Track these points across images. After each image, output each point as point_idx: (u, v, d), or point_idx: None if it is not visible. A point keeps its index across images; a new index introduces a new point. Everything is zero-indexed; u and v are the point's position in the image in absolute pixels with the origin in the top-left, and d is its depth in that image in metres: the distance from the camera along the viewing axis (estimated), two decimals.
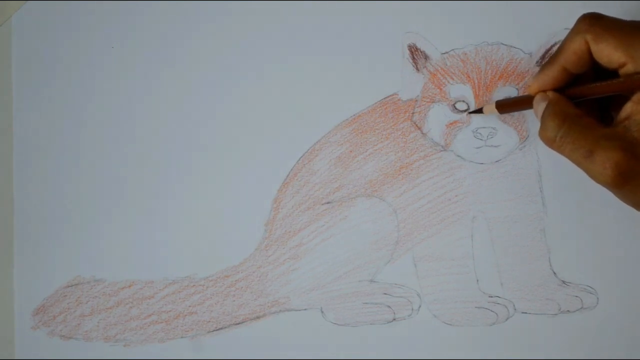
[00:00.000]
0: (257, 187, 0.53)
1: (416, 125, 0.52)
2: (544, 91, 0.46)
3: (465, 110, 0.51)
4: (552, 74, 0.45)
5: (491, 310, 0.51)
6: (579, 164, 0.42)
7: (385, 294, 0.52)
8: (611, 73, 0.43)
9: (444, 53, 0.52)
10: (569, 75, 0.45)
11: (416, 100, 0.52)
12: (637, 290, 0.50)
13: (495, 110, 0.49)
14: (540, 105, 0.45)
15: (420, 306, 0.52)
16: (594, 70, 0.45)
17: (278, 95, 0.53)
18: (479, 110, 0.50)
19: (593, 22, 0.43)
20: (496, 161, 0.51)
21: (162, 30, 0.54)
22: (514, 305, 0.51)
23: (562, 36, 0.51)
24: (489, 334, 0.51)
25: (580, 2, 0.51)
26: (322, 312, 0.52)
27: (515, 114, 0.51)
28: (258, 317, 0.53)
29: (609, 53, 0.42)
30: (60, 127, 0.54)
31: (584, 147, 0.41)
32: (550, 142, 0.43)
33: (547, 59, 0.46)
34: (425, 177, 0.52)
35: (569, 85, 0.45)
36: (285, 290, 0.53)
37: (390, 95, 0.52)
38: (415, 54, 0.52)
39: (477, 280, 0.51)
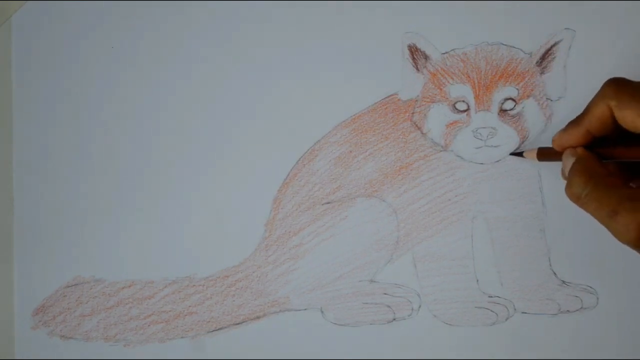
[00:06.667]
0: (257, 187, 0.53)
1: (416, 125, 0.52)
2: (575, 147, 0.46)
3: (465, 111, 0.51)
4: (576, 135, 0.46)
5: (491, 310, 0.51)
6: (602, 223, 0.42)
7: (385, 294, 0.52)
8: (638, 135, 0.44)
9: (444, 53, 0.52)
10: (593, 137, 0.45)
11: (416, 100, 0.52)
12: (637, 290, 0.50)
13: (535, 158, 0.49)
14: (568, 160, 0.45)
15: (420, 306, 0.52)
16: (622, 131, 0.44)
17: (278, 95, 0.53)
18: (519, 154, 0.50)
19: (619, 88, 0.43)
20: (496, 161, 0.51)
21: (162, 31, 0.54)
22: (513, 305, 0.51)
23: (562, 36, 0.51)
24: (489, 334, 0.51)
25: (580, 2, 0.51)
26: (322, 312, 0.52)
27: (515, 114, 0.51)
28: (258, 317, 0.53)
29: (632, 120, 0.42)
30: (60, 127, 0.54)
31: (608, 207, 0.41)
32: (575, 199, 0.43)
33: (573, 119, 0.46)
34: (425, 177, 0.52)
35: (598, 143, 0.45)
36: (285, 291, 0.53)
37: (390, 95, 0.52)
38: (415, 54, 0.52)
39: (477, 280, 0.51)
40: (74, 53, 0.54)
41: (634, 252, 0.48)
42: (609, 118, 0.44)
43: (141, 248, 0.53)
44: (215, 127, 0.53)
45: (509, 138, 0.51)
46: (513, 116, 0.51)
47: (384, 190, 0.52)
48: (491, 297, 0.51)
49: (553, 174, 0.51)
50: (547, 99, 0.51)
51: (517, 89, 0.51)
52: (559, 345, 0.51)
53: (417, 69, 0.52)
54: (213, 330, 0.53)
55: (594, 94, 0.45)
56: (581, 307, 0.51)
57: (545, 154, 0.49)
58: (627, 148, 0.45)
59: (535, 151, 0.49)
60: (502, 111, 0.51)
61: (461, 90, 0.51)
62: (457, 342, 0.51)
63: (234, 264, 0.53)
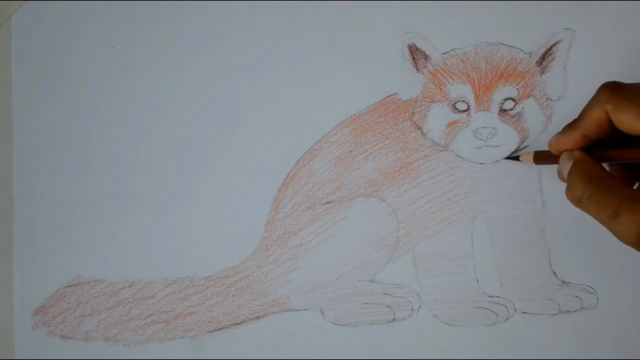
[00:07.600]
0: (257, 187, 0.53)
1: (416, 125, 0.52)
2: (571, 150, 0.46)
3: (465, 111, 0.51)
4: (573, 139, 0.45)
5: (491, 310, 0.51)
6: (604, 224, 0.42)
7: (385, 294, 0.52)
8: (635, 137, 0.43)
9: (444, 53, 0.52)
10: (590, 141, 0.45)
11: (416, 100, 0.52)
12: (637, 290, 0.50)
13: (532, 161, 0.49)
14: (566, 164, 0.45)
15: (420, 306, 0.52)
16: (618, 133, 0.44)
17: (278, 95, 0.53)
18: (516, 158, 0.50)
19: (613, 92, 0.43)
20: (496, 161, 0.51)
21: (162, 30, 0.54)
22: (514, 305, 0.51)
23: (562, 36, 0.51)
24: (489, 334, 0.51)
25: (580, 2, 0.51)
26: (322, 312, 0.52)
27: (515, 114, 0.51)
28: (258, 317, 0.53)
29: (630, 123, 0.42)
30: (60, 127, 0.54)
31: (609, 209, 0.41)
32: (576, 202, 0.43)
33: (569, 123, 0.46)
34: (425, 177, 0.52)
35: (594, 145, 0.45)
36: (285, 291, 0.53)
37: (390, 95, 0.52)
38: (415, 54, 0.52)
39: (477, 280, 0.51)
40: (74, 53, 0.54)
41: (634, 252, 0.48)
42: (605, 121, 0.43)
43: (141, 248, 0.53)
44: (215, 126, 0.53)
45: (509, 138, 0.51)
46: (513, 116, 0.51)
47: (384, 190, 0.52)
48: (491, 297, 0.51)
49: (553, 174, 0.51)
50: (547, 98, 0.51)
51: (517, 89, 0.51)
52: (559, 345, 0.51)
53: (417, 69, 0.52)
54: (213, 331, 0.53)
55: (594, 94, 0.44)
56: (581, 307, 0.51)
57: (542, 157, 0.48)
58: (624, 149, 0.44)
59: (532, 155, 0.49)
60: (502, 111, 0.51)
61: (461, 90, 0.51)
62: (457, 342, 0.51)
63: (234, 264, 0.53)
